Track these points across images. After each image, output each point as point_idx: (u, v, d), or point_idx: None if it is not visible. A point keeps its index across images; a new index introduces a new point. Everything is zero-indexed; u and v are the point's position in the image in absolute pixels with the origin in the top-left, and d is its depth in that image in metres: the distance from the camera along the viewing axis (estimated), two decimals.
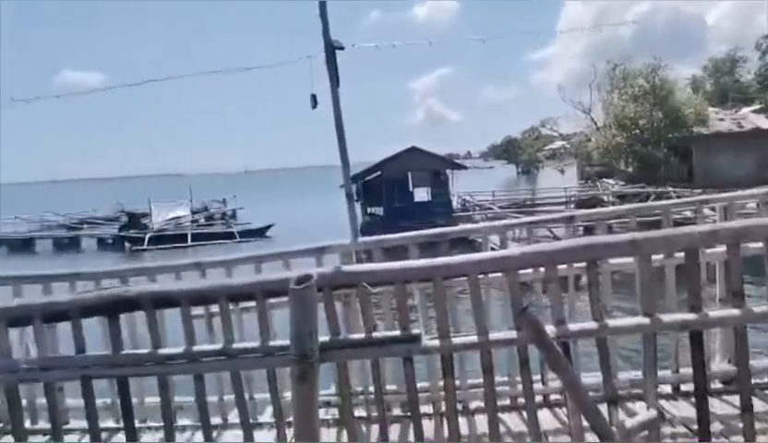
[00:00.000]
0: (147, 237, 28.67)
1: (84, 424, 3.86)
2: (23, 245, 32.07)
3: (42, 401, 3.79)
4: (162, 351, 2.79)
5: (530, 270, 3.46)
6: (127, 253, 27.29)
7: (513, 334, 2.53)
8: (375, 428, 3.66)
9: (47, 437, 3.81)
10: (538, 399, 3.73)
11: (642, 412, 2.59)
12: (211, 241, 27.97)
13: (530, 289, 3.71)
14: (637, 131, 32.84)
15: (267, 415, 4.07)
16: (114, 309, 2.80)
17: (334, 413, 3.96)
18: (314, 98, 3.43)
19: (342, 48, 3.36)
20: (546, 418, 3.56)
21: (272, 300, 3.07)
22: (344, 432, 3.67)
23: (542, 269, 3.15)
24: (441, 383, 3.79)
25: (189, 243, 28.17)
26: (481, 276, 2.75)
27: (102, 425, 3.88)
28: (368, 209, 28.23)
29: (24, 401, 3.45)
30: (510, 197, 34.01)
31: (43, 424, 3.96)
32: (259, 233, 30.30)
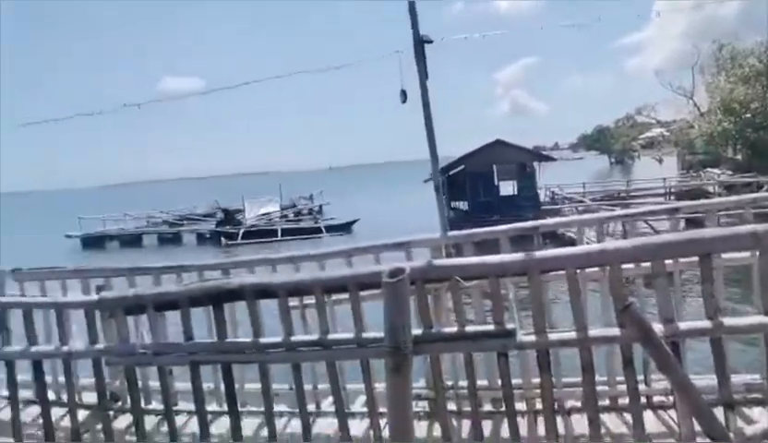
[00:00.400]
0: (241, 232, 30.20)
1: (190, 406, 4.16)
2: (132, 241, 34.83)
3: (154, 383, 4.10)
4: (263, 340, 2.92)
5: (631, 265, 3.28)
6: (223, 247, 28.85)
7: (616, 331, 2.41)
8: (465, 423, 3.63)
9: (159, 417, 4.12)
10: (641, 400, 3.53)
11: (764, 418, 2.38)
12: (299, 236, 28.98)
13: (631, 284, 3.52)
14: (748, 115, 30.17)
15: (358, 405, 4.16)
16: (218, 299, 2.97)
17: (424, 405, 3.96)
18: (404, 93, 3.44)
19: (430, 42, 3.34)
20: (649, 420, 3.36)
21: (364, 293, 3.12)
22: (435, 425, 3.68)
23: (645, 264, 2.98)
24: (535, 380, 3.72)
25: (279, 237, 29.33)
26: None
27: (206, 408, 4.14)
28: (452, 204, 28.00)
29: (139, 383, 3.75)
30: (603, 189, 32.41)
31: (155, 405, 4.29)
32: (345, 228, 30.97)
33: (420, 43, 3.24)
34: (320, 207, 41.22)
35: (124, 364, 3.17)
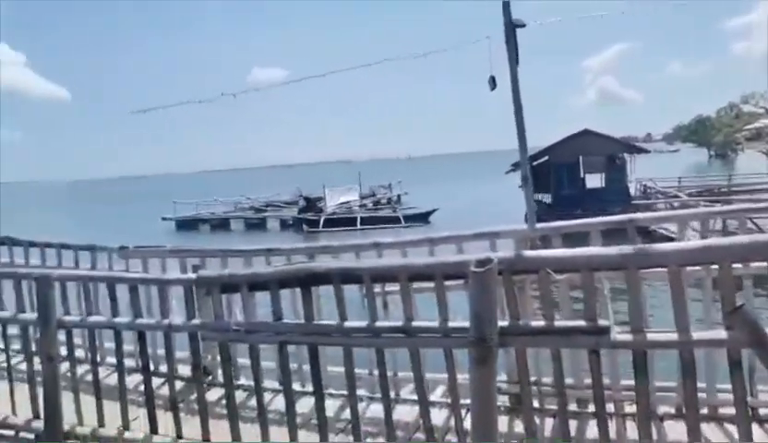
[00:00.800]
0: (321, 220, 30.98)
1: (273, 384, 4.34)
2: (221, 225, 36.71)
3: (241, 360, 4.30)
4: (348, 323, 2.98)
5: (739, 264, 3.03)
6: (304, 234, 29.76)
7: (723, 334, 2.24)
8: (547, 422, 3.53)
9: (246, 392, 4.32)
10: None
11: None
12: (378, 225, 29.29)
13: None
14: None
15: (437, 394, 4.16)
16: (306, 282, 3.05)
17: (504, 400, 3.89)
18: (493, 80, 3.36)
19: (522, 25, 3.24)
20: (755, 434, 3.12)
21: (447, 282, 3.10)
22: (516, 421, 3.61)
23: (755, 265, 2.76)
24: (625, 382, 3.55)
25: (358, 226, 29.82)
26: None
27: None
28: (534, 196, 27.17)
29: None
30: (701, 184, 30.20)
31: (243, 380, 4.50)
32: (423, 217, 30.95)
33: (512, 27, 3.14)
34: (399, 196, 41.40)
35: (218, 339, 3.34)
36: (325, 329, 3.02)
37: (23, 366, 4.17)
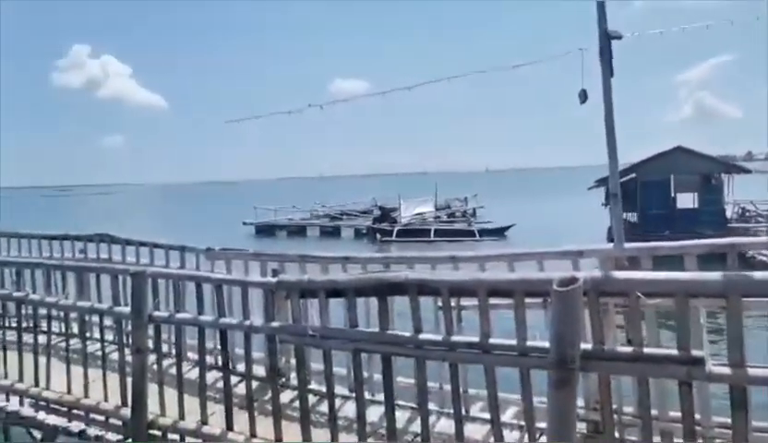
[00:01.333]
0: (395, 230, 31.13)
1: (344, 391, 4.38)
2: (297, 231, 37.81)
3: (313, 364, 4.38)
4: (423, 335, 2.95)
5: None
6: (378, 243, 30.00)
7: None
8: None
9: (317, 397, 4.38)
10: None
11: None
12: (452, 237, 29.04)
13: None
14: None
15: (507, 415, 4.03)
16: (383, 292, 3.06)
17: (581, 427, 3.71)
18: (584, 93, 3.25)
19: (619, 37, 3.10)
20: None
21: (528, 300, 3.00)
22: None
23: None
24: (717, 418, 3.29)
25: (432, 238, 29.70)
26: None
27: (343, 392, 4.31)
28: None
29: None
30: None
31: (313, 385, 4.57)
32: (499, 232, 30.38)
33: (607, 39, 3.02)
34: (474, 210, 40.93)
35: (295, 343, 3.42)
36: (399, 339, 3.01)
37: (115, 356, 4.45)
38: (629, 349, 2.45)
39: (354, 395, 4.42)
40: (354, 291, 3.18)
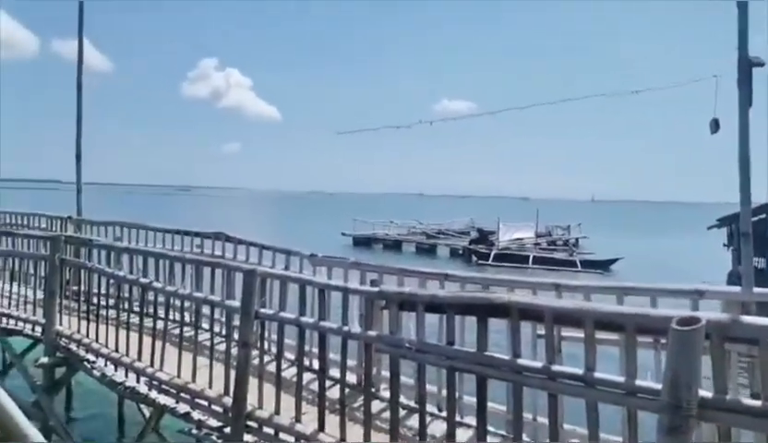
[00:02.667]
0: (492, 253, 30.56)
1: (431, 408, 4.34)
2: (393, 246, 38.30)
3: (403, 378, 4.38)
4: (522, 361, 2.87)
5: None
6: (473, 265, 29.57)
7: None
8: None
9: (405, 411, 4.38)
10: None
11: None
12: (551, 266, 27.98)
13: None
14: None
15: None
16: (484, 312, 3.02)
17: None
18: (715, 123, 3.04)
19: (761, 64, 2.87)
20: None
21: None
22: None
23: None
24: None
25: (530, 264, 28.81)
26: None
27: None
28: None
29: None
30: None
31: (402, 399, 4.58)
32: (604, 265, 28.83)
33: (748, 66, 2.81)
34: (577, 240, 39.22)
35: (390, 353, 3.46)
36: (497, 362, 2.95)
37: (221, 347, 4.75)
38: (756, 402, 2.23)
39: (441, 414, 4.41)
40: (455, 308, 3.17)
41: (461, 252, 33.99)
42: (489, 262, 29.50)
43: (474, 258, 30.91)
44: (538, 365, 2.83)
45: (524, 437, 3.84)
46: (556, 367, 2.77)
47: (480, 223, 40.12)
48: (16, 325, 6.99)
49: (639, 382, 2.52)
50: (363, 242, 38.47)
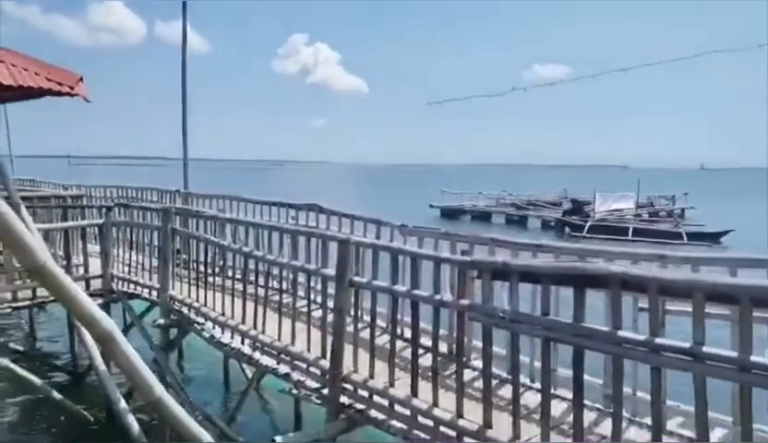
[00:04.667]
0: (587, 225, 29.29)
1: (524, 379, 4.30)
2: (482, 217, 37.79)
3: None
4: (623, 333, 2.77)
5: None
6: (566, 237, 28.52)
7: None
8: None
9: (496, 381, 4.38)
10: None
11: None
12: (654, 238, 26.33)
13: None
14: None
15: (715, 436, 3.60)
16: (582, 282, 2.93)
17: None
18: None
19: None
20: None
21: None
22: None
23: None
24: None
25: (629, 237, 27.31)
26: None
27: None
28: None
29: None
30: None
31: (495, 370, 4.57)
32: (713, 237, 26.76)
33: None
34: (683, 210, 36.66)
35: (483, 322, 3.45)
36: (596, 333, 2.86)
37: (316, 313, 4.97)
38: None
39: (534, 384, 4.37)
40: (551, 278, 3.10)
41: (553, 224, 32.86)
42: (584, 234, 28.31)
43: (568, 230, 29.81)
44: (641, 337, 2.72)
45: (624, 412, 3.73)
46: (660, 340, 2.65)
47: (574, 194, 38.51)
48: (135, 289, 7.70)
49: (754, 358, 2.35)
50: (450, 213, 38.25)
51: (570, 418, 3.30)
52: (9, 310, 7.47)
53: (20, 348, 9.79)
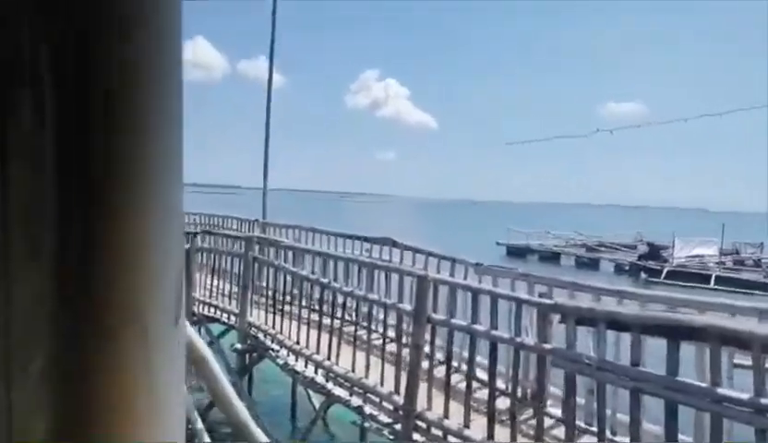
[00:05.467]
0: (665, 270, 27.83)
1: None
2: (550, 258, 36.62)
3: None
4: (723, 391, 2.64)
5: None
6: (642, 282, 27.16)
7: None
8: None
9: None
10: None
11: None
12: (739, 288, 24.63)
13: None
14: None
15: None
16: (676, 334, 2.83)
17: None
18: None
19: None
20: None
21: None
22: None
23: None
24: None
25: (711, 285, 25.68)
26: None
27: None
28: None
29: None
30: None
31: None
32: None
33: None
34: None
35: (566, 368, 3.38)
36: (691, 388, 2.75)
37: (389, 347, 5.00)
38: None
39: (616, 438, 4.17)
40: (640, 327, 3.01)
41: (627, 267, 31.43)
42: (661, 279, 26.89)
43: (643, 275, 28.39)
44: (744, 396, 2.58)
45: None
46: (765, 400, 2.51)
47: (649, 237, 36.80)
48: (215, 313, 8.04)
49: None
50: (517, 252, 37.42)
51: None
52: None
53: None
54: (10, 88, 0.39)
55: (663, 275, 27.46)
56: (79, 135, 0.38)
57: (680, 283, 25.23)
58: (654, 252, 30.79)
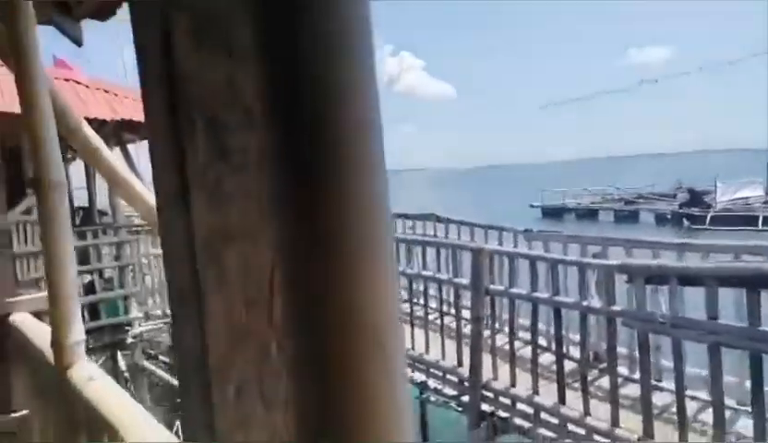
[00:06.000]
0: (708, 216, 27.02)
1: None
2: (587, 215, 35.90)
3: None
4: None
5: None
6: (685, 230, 26.46)
7: None
8: None
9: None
10: None
11: None
12: None
13: None
14: None
15: None
16: (755, 283, 2.75)
17: None
18: None
19: None
20: None
21: None
22: None
23: None
24: None
25: (759, 227, 24.85)
26: None
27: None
28: None
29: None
30: None
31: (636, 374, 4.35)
32: None
33: None
34: None
35: (639, 329, 3.34)
36: None
37: (444, 322, 5.01)
38: None
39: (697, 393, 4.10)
40: (716, 280, 2.94)
41: (669, 217, 30.62)
42: (706, 226, 26.18)
43: (687, 223, 27.66)
44: None
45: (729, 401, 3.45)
46: None
47: (689, 183, 35.71)
48: None
49: None
50: (553, 212, 36.87)
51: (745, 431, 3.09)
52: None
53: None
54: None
55: (707, 221, 26.71)
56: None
57: (726, 228, 24.57)
58: (696, 198, 29.89)
